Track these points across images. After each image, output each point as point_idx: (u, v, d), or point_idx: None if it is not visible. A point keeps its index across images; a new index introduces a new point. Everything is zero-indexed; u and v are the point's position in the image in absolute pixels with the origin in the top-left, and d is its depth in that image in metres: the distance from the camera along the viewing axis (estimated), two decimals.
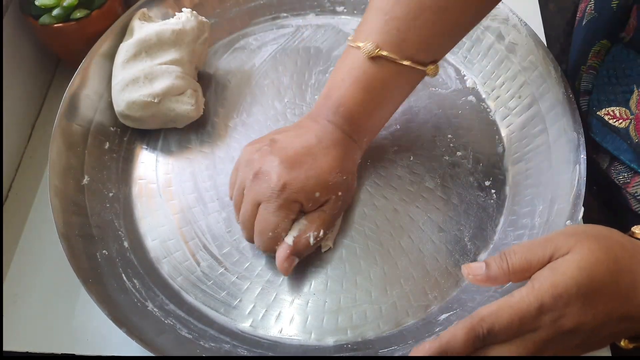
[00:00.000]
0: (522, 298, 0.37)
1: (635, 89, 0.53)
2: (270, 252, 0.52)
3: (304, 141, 0.52)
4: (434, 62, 0.53)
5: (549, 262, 0.38)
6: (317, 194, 0.51)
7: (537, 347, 0.37)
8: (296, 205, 0.51)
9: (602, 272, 0.36)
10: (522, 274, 0.39)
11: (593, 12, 0.59)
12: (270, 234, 0.51)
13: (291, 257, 0.51)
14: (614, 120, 0.54)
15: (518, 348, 0.37)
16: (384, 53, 0.50)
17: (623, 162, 0.55)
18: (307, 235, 0.51)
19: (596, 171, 0.58)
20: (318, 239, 0.52)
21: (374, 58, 0.50)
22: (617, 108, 0.54)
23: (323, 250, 0.54)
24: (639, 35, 0.54)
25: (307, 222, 0.52)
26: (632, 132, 0.53)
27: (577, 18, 0.64)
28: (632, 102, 0.53)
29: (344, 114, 0.52)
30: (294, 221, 0.52)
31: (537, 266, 0.38)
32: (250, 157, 0.53)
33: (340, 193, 0.52)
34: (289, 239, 0.51)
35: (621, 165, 0.55)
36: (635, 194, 0.54)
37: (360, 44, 0.51)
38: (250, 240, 0.53)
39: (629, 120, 0.53)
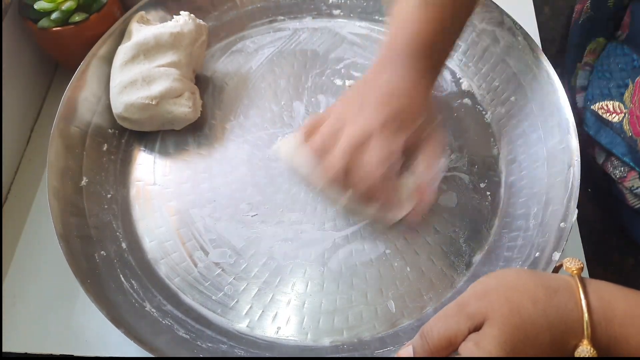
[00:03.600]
0: None
1: (630, 83, 0.53)
2: (372, 190, 0.50)
3: (388, 81, 0.52)
4: None
5: (468, 332, 0.37)
6: (421, 119, 0.51)
7: None
8: (404, 133, 0.51)
9: (522, 341, 0.36)
10: (446, 350, 0.38)
11: (589, 10, 0.59)
12: (388, 164, 0.50)
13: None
14: (608, 114, 0.55)
15: None
16: None
17: (618, 156, 0.55)
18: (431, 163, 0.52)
19: (592, 167, 0.58)
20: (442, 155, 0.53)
21: None
22: (611, 102, 0.55)
23: None
24: (633, 31, 0.54)
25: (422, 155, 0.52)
26: (625, 126, 0.53)
27: (573, 19, 0.64)
28: (627, 97, 0.53)
29: (418, 51, 0.52)
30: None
31: (458, 340, 0.37)
32: (342, 103, 0.54)
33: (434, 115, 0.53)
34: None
35: (617, 160, 0.55)
36: (632, 188, 0.54)
37: None
38: (336, 179, 0.50)
39: (622, 114, 0.53)
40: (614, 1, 0.57)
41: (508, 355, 0.36)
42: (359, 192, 0.51)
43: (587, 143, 0.57)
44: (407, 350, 0.41)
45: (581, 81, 0.59)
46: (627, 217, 0.58)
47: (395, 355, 0.42)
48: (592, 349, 0.36)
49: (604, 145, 0.56)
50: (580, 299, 0.37)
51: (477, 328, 0.37)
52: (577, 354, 0.36)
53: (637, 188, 0.54)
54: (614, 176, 0.56)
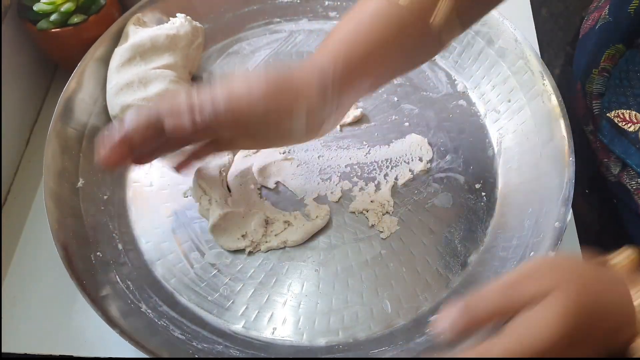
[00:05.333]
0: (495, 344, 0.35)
1: None
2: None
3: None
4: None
5: (518, 309, 0.36)
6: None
7: None
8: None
9: (588, 316, 0.35)
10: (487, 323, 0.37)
11: (607, 16, 0.59)
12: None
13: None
14: (624, 122, 0.54)
15: None
16: None
17: (633, 167, 0.55)
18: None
19: (590, 169, 0.58)
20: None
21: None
22: (627, 111, 0.54)
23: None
24: None
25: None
26: None
27: (585, 26, 0.63)
28: None
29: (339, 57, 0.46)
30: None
31: (504, 316, 0.36)
32: None
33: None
34: None
35: (634, 171, 0.55)
36: None
37: None
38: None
39: (639, 125, 0.53)
40: (634, 9, 0.56)
41: (569, 325, 0.34)
42: None
43: (603, 152, 0.57)
44: (447, 316, 0.37)
45: (598, 87, 0.58)
46: (634, 227, 0.58)
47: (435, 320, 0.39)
48: None
49: (617, 154, 0.55)
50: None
51: (541, 297, 0.35)
52: (632, 350, 0.36)
53: None
54: (630, 187, 0.55)
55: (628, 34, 0.57)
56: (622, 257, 0.39)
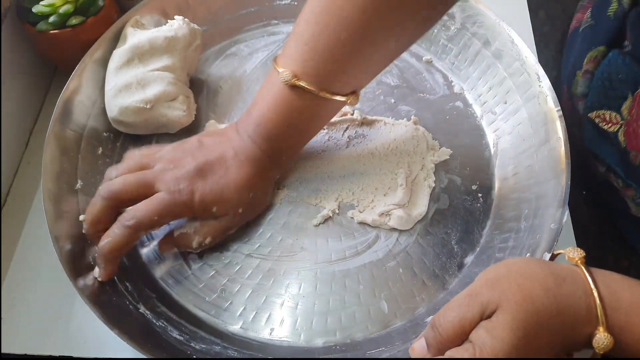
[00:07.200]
0: None
1: (629, 95, 0.53)
2: (119, 232, 0.50)
3: (221, 150, 0.53)
4: (354, 92, 0.52)
5: (480, 320, 0.38)
6: (215, 209, 0.52)
7: None
8: (188, 211, 0.51)
9: (534, 327, 0.37)
10: (458, 339, 0.38)
11: (590, 19, 0.59)
12: (148, 219, 0.49)
13: (169, 245, 0.54)
14: (604, 123, 0.55)
15: None
16: (301, 84, 0.49)
17: (611, 165, 0.55)
18: (193, 238, 0.53)
19: (587, 170, 0.58)
20: (203, 245, 0.53)
21: (293, 86, 0.49)
22: (608, 112, 0.55)
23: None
24: (637, 45, 0.54)
25: (199, 226, 0.53)
26: (620, 137, 0.53)
27: (571, 27, 0.64)
28: (625, 108, 0.53)
29: (262, 133, 0.52)
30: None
31: (470, 328, 0.38)
32: (176, 147, 0.54)
33: (240, 210, 0.53)
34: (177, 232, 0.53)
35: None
36: (635, 198, 0.54)
37: (280, 70, 0.50)
38: (109, 201, 0.50)
39: (618, 125, 0.54)
40: (614, 11, 0.57)
41: (520, 340, 0.36)
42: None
43: (590, 152, 0.57)
44: (420, 343, 0.41)
45: (582, 89, 0.59)
46: (627, 226, 0.58)
47: (410, 350, 0.42)
48: (609, 335, 0.36)
49: (597, 154, 0.56)
50: (591, 288, 0.37)
51: (488, 316, 0.38)
52: (595, 343, 0.37)
53: (639, 198, 0.54)
54: (616, 185, 0.56)
55: (609, 36, 0.58)
56: (575, 253, 0.40)
